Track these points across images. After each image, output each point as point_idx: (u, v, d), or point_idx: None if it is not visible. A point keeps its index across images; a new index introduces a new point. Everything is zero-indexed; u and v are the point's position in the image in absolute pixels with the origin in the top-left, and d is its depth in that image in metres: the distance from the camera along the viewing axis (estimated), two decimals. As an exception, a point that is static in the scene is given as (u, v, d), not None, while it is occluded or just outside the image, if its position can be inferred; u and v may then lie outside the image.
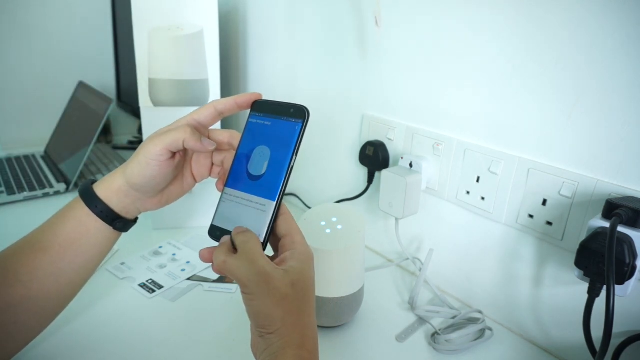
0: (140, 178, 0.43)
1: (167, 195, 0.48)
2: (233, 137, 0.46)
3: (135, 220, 0.49)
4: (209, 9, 0.79)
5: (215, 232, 0.43)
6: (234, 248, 0.40)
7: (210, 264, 0.42)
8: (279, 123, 0.43)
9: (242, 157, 0.44)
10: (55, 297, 0.45)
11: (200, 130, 0.45)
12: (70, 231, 0.45)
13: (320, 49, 0.85)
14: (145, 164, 0.43)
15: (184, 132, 0.42)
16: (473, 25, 0.60)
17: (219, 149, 0.47)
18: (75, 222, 0.45)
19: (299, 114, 0.42)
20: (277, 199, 0.41)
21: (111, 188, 0.45)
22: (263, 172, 0.42)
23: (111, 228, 0.46)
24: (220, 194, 0.45)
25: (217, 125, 0.82)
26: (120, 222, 0.46)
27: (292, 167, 0.41)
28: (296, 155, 0.41)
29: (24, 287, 0.43)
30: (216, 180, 0.47)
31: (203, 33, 0.79)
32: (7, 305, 0.42)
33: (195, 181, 0.49)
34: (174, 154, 0.44)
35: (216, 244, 0.43)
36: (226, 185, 0.44)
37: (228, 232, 0.42)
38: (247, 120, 0.45)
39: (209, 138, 0.46)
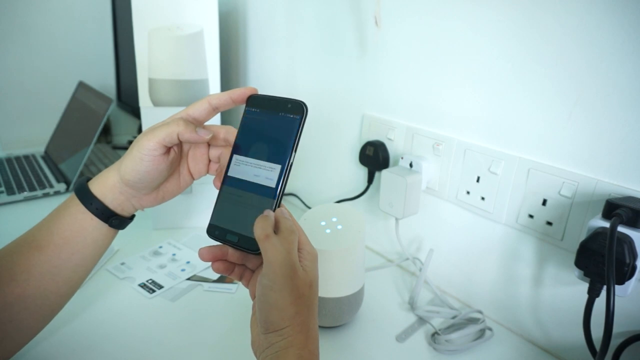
0: (133, 174, 0.43)
1: (163, 192, 0.48)
2: (229, 132, 0.46)
3: (131, 218, 0.48)
4: (209, 9, 0.79)
5: (214, 231, 0.43)
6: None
7: (210, 263, 0.42)
8: (276, 118, 0.42)
9: (238, 154, 0.43)
10: (52, 296, 0.45)
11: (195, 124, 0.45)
12: (66, 229, 0.44)
13: (320, 48, 0.85)
14: (139, 159, 0.42)
15: (177, 125, 0.42)
16: (474, 25, 0.60)
17: (214, 143, 0.47)
18: (71, 219, 0.45)
19: (297, 109, 0.41)
20: (277, 196, 0.40)
21: (106, 185, 0.45)
22: (261, 169, 0.41)
23: (107, 225, 0.46)
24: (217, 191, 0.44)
25: (217, 121, 0.82)
26: (116, 220, 0.46)
27: (292, 164, 0.41)
28: (295, 152, 0.40)
29: (19, 286, 0.43)
30: (213, 178, 0.47)
31: (203, 33, 0.79)
32: (4, 304, 0.42)
33: (193, 178, 0.49)
34: (168, 149, 0.44)
35: (216, 243, 0.43)
36: (223, 183, 0.43)
37: (228, 231, 0.42)
38: (243, 116, 0.44)
39: None
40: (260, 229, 0.37)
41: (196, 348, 0.57)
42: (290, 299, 0.36)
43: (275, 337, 0.37)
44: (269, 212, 0.39)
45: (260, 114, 0.43)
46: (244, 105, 0.44)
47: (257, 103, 0.43)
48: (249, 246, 0.40)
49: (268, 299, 0.37)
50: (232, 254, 0.43)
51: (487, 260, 0.65)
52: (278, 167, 0.41)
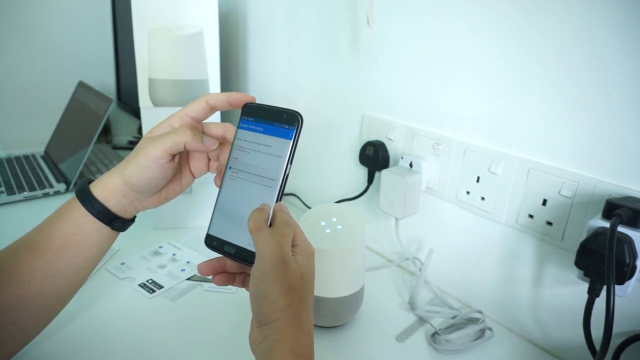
0: (139, 179, 0.43)
1: (166, 193, 0.48)
2: (227, 130, 0.46)
3: (133, 220, 0.48)
4: (209, 9, 0.79)
5: (212, 241, 0.43)
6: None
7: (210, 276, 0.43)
8: (271, 129, 0.41)
9: (234, 165, 0.43)
10: (53, 298, 0.45)
11: (195, 126, 0.45)
12: (67, 232, 0.44)
13: (320, 48, 0.85)
14: (144, 166, 0.42)
15: (185, 135, 0.42)
16: (474, 25, 0.60)
17: None
18: (72, 222, 0.45)
19: (292, 120, 0.40)
20: (271, 209, 0.40)
21: (109, 188, 0.45)
22: (257, 182, 0.41)
23: (109, 228, 0.46)
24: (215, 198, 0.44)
25: (216, 119, 0.81)
26: (118, 222, 0.46)
27: (287, 176, 0.40)
28: (291, 163, 0.40)
29: (20, 288, 0.43)
30: (213, 176, 0.47)
31: (203, 33, 0.79)
32: (5, 306, 0.42)
33: (194, 177, 0.49)
34: (173, 156, 0.44)
35: (214, 254, 0.43)
36: (219, 193, 0.43)
37: (225, 242, 0.42)
38: (237, 126, 0.44)
39: (203, 132, 0.46)
40: (253, 221, 0.38)
41: (196, 348, 0.57)
42: (280, 290, 0.36)
43: (267, 330, 0.37)
44: (264, 206, 0.40)
45: (255, 124, 0.42)
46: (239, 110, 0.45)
47: (253, 112, 0.43)
48: (246, 258, 0.40)
49: (259, 290, 0.37)
50: (230, 265, 0.44)
51: (487, 260, 0.65)
52: (273, 179, 0.41)
